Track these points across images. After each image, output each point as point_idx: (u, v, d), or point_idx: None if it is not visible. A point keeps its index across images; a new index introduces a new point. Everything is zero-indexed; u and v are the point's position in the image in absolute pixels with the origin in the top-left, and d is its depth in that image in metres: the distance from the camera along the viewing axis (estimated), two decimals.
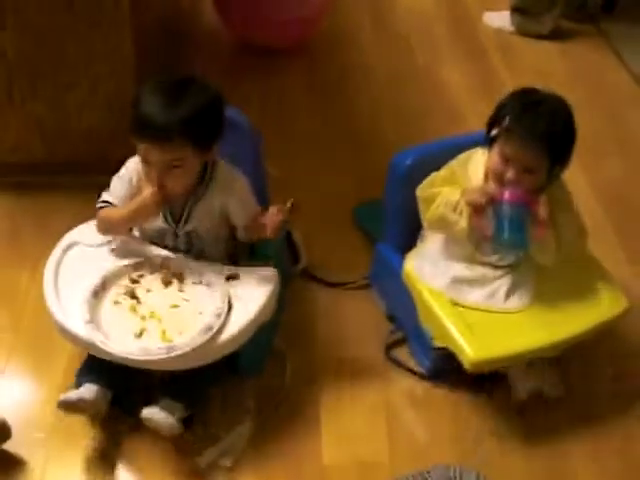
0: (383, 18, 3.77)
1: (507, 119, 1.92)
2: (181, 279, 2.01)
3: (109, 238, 2.06)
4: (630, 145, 3.11)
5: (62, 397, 1.90)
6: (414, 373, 2.19)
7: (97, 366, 1.94)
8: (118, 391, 1.98)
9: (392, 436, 2.05)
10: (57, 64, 2.47)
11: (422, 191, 2.05)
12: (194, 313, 1.94)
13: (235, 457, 1.96)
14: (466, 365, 1.94)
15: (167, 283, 2.00)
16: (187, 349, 1.85)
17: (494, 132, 1.96)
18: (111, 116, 2.54)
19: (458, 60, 3.52)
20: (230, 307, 1.94)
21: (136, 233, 2.11)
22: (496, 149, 1.96)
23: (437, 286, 2.04)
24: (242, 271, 2.03)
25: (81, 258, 2.05)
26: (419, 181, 2.09)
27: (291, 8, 3.26)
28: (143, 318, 1.92)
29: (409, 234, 2.22)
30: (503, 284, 2.04)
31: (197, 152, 1.91)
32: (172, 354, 1.84)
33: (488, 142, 2.00)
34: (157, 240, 2.08)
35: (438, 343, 2.04)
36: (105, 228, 2.04)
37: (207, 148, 1.94)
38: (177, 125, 1.84)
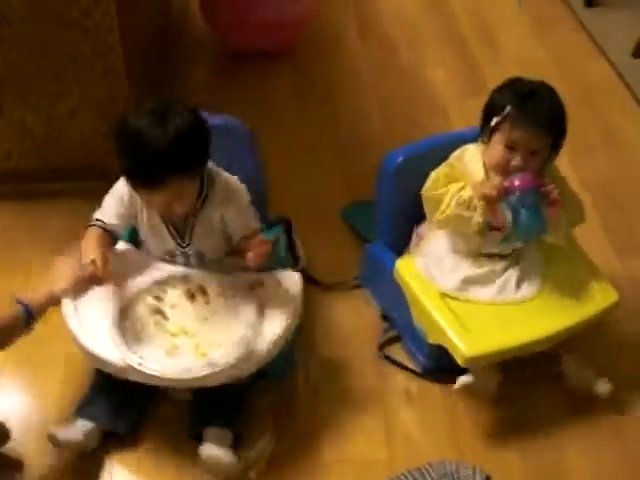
0: (368, 20, 3.77)
1: (508, 107, 1.94)
2: (204, 292, 1.96)
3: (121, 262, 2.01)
4: (614, 137, 3.13)
5: (51, 431, 1.90)
6: (409, 371, 2.21)
7: (99, 401, 1.95)
8: (117, 420, 1.97)
9: (389, 433, 2.07)
10: (46, 73, 2.46)
11: (428, 192, 2.05)
12: (226, 325, 1.90)
13: (258, 471, 1.97)
14: (460, 361, 1.96)
15: (192, 297, 1.96)
16: (228, 363, 1.81)
17: (494, 122, 1.97)
18: (103, 123, 2.53)
19: (442, 59, 3.52)
20: (261, 315, 1.92)
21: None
22: (498, 139, 1.97)
23: (448, 288, 2.05)
24: (264, 277, 2.00)
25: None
26: (410, 180, 2.11)
27: (276, 12, 3.25)
28: (173, 335, 1.89)
29: (400, 233, 2.23)
30: (512, 275, 2.06)
31: (194, 177, 1.87)
32: (215, 369, 1.79)
33: (487, 133, 2.00)
34: (168, 260, 2.05)
35: (432, 341, 2.05)
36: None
37: (201, 168, 1.89)
38: (167, 167, 1.76)
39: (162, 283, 1.98)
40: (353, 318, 2.35)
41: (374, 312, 2.35)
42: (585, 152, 2.95)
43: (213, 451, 1.90)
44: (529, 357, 2.06)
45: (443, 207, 2.00)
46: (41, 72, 2.46)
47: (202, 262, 2.03)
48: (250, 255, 1.89)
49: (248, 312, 1.92)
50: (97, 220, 2.00)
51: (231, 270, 2.02)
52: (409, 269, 2.13)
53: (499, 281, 2.05)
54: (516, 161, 1.95)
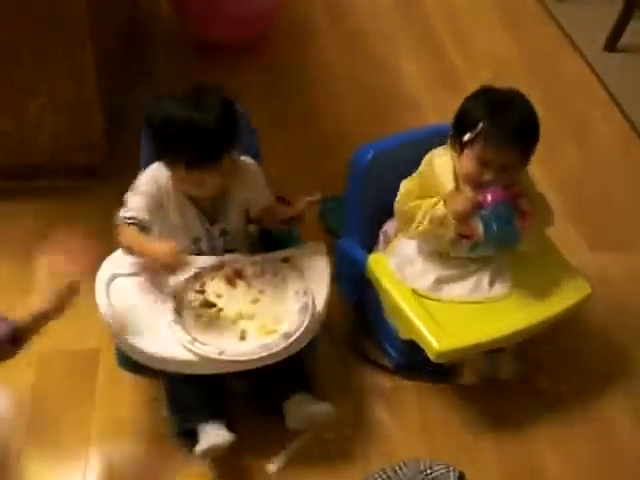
0: (339, 13, 3.76)
1: (480, 124, 1.92)
2: (241, 276, 2.00)
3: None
4: (585, 131, 3.15)
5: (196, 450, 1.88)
6: (381, 367, 2.20)
7: (196, 399, 1.95)
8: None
9: (362, 430, 2.07)
10: (13, 68, 2.43)
11: (400, 206, 2.05)
12: (278, 300, 1.97)
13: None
14: (431, 356, 1.96)
15: (231, 283, 1.99)
16: (300, 331, 1.87)
17: (467, 138, 1.95)
18: (73, 119, 2.52)
19: (415, 52, 3.53)
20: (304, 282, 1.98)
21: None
22: (470, 153, 1.96)
23: (421, 288, 2.05)
24: (289, 252, 2.06)
25: (127, 289, 1.96)
26: (380, 176, 2.11)
27: (246, 4, 3.23)
28: (234, 322, 1.92)
29: (370, 229, 2.23)
30: (484, 275, 2.06)
31: (232, 153, 1.93)
32: (290, 340, 1.86)
33: (457, 144, 1.99)
34: (193, 249, 2.04)
35: (403, 336, 2.05)
36: (128, 253, 1.96)
37: (235, 144, 1.94)
38: (223, 142, 1.85)
39: (198, 276, 1.99)
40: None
41: (345, 307, 2.33)
42: (556, 146, 2.96)
43: (313, 407, 1.96)
44: None
45: (416, 224, 1.99)
46: (7, 67, 2.43)
47: (226, 240, 2.06)
48: (297, 205, 2.02)
49: (293, 282, 1.98)
50: (130, 219, 1.95)
51: (249, 241, 2.11)
52: (381, 265, 2.12)
53: (472, 279, 2.06)
54: (488, 175, 1.95)
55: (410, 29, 3.69)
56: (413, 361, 2.10)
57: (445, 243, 2.02)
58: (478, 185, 1.96)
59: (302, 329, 1.88)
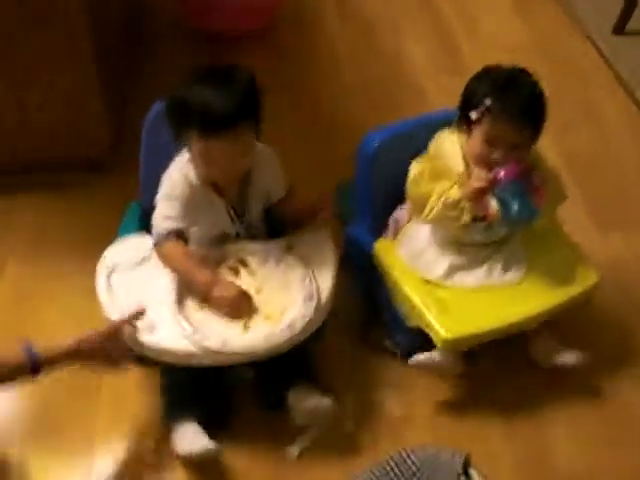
0: (345, 1, 3.75)
1: (487, 101, 1.91)
2: (245, 264, 1.98)
3: (145, 254, 1.99)
4: (594, 113, 3.14)
5: (180, 452, 1.87)
6: (390, 352, 2.20)
7: (187, 398, 1.94)
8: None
9: (371, 421, 2.06)
10: (11, 60, 2.40)
11: (412, 190, 2.03)
12: (283, 289, 1.94)
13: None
14: (439, 344, 1.96)
15: (236, 272, 1.97)
16: (305, 321, 1.85)
17: (474, 116, 1.94)
18: (73, 112, 2.50)
19: (423, 38, 3.50)
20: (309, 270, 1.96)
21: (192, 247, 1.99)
22: (478, 132, 1.95)
23: (435, 277, 2.04)
24: (294, 239, 2.04)
25: (130, 281, 1.95)
26: (389, 161, 2.10)
27: None
28: None
29: (380, 216, 2.22)
30: (497, 260, 2.05)
31: (255, 130, 1.89)
32: (294, 331, 1.84)
33: (465, 125, 1.98)
34: (219, 243, 2.01)
35: (411, 323, 2.05)
36: (170, 268, 1.95)
37: (259, 124, 1.91)
38: (238, 108, 1.80)
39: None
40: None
41: (355, 296, 2.32)
42: (566, 128, 2.95)
43: (313, 401, 1.93)
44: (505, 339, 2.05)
45: (429, 208, 1.98)
46: (5, 61, 2.40)
47: (250, 233, 2.04)
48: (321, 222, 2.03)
49: (297, 271, 1.96)
50: (170, 232, 1.92)
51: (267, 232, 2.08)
52: (388, 252, 2.12)
53: (485, 266, 2.04)
54: (497, 154, 1.93)
55: (418, 15, 3.66)
56: (422, 349, 2.07)
57: (460, 226, 2.00)
58: (488, 165, 1.95)
59: (307, 319, 1.86)
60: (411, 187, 2.04)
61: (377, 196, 2.20)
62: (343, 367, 2.18)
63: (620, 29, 3.53)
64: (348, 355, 2.21)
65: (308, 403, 1.94)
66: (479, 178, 1.94)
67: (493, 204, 1.95)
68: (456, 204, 1.96)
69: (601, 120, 3.11)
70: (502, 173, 1.91)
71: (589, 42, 3.52)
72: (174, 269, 1.93)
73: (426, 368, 2.05)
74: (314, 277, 1.96)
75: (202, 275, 1.90)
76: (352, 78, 3.27)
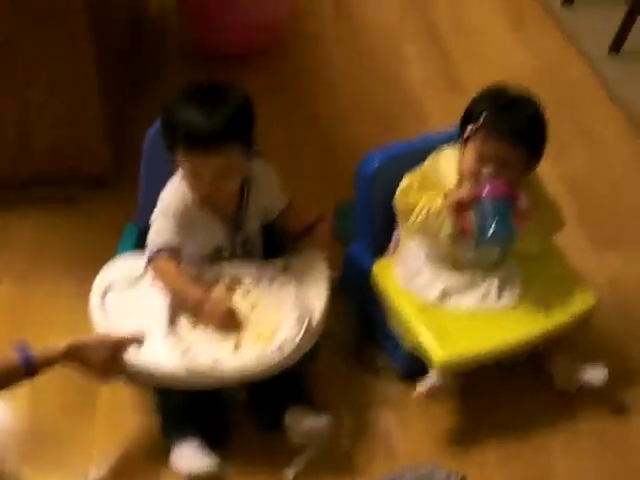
0: (346, 21, 3.76)
1: (483, 116, 1.92)
2: (239, 283, 1.98)
3: (139, 274, 1.98)
4: (589, 133, 3.15)
5: (184, 471, 1.87)
6: (385, 372, 2.20)
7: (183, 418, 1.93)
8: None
9: (367, 440, 2.06)
10: (9, 68, 2.39)
11: (399, 201, 2.03)
12: (275, 309, 1.93)
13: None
14: (435, 367, 1.96)
15: (231, 291, 1.96)
16: (296, 342, 1.84)
17: (469, 129, 1.95)
18: (74, 125, 2.50)
19: (423, 60, 3.52)
20: (302, 291, 1.96)
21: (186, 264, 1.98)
22: (471, 147, 1.96)
23: (429, 299, 2.04)
24: (288, 259, 2.04)
25: (124, 300, 1.96)
26: (389, 182, 2.09)
27: (254, 13, 3.23)
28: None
29: (380, 236, 2.22)
30: (492, 284, 2.05)
31: (244, 152, 1.87)
32: (285, 353, 1.83)
33: (462, 140, 2.00)
34: (213, 259, 2.01)
35: (407, 345, 2.05)
36: (162, 284, 1.94)
37: (250, 146, 1.90)
38: (223, 127, 1.79)
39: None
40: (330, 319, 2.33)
41: (351, 316, 2.32)
42: (562, 149, 2.95)
43: (309, 421, 1.92)
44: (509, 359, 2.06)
45: (413, 217, 1.99)
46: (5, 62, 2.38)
47: (246, 249, 2.04)
48: (322, 239, 2.04)
49: (290, 291, 1.95)
50: (163, 249, 1.91)
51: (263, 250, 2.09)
52: (386, 274, 2.13)
53: (480, 289, 2.04)
54: (487, 170, 1.94)
55: (418, 38, 3.67)
56: (418, 370, 2.07)
57: (446, 240, 1.99)
58: (477, 181, 1.95)
59: (296, 342, 1.85)
60: (399, 197, 2.04)
61: (377, 216, 2.20)
62: (338, 385, 2.18)
63: (617, 49, 3.55)
64: (343, 374, 2.21)
65: (305, 424, 1.93)
66: (462, 190, 1.95)
67: (472, 219, 1.94)
68: (438, 214, 1.96)
69: (598, 140, 3.13)
70: (487, 189, 1.90)
71: (586, 61, 3.53)
72: (166, 285, 1.93)
73: (431, 397, 2.04)
74: (306, 298, 1.95)
75: (194, 292, 1.90)
76: (352, 98, 3.28)
